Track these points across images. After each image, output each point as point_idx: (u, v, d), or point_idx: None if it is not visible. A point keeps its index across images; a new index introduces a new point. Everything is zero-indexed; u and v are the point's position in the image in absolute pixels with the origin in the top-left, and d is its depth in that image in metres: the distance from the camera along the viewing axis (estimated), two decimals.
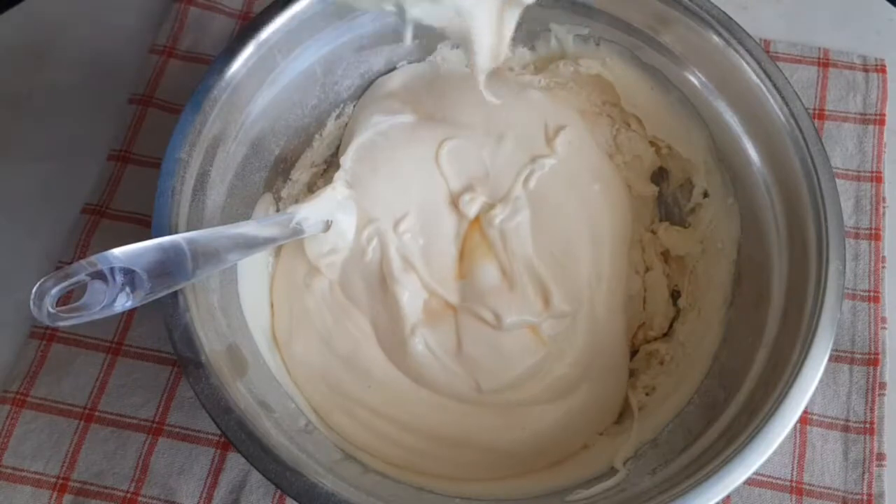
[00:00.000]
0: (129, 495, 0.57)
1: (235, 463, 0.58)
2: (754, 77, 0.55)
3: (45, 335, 0.61)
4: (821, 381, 0.47)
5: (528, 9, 0.60)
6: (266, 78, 0.56)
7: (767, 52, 0.65)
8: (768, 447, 0.45)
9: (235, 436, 0.45)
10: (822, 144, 0.53)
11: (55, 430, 0.59)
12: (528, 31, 0.64)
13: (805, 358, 0.47)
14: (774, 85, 0.54)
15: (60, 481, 0.57)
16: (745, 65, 0.55)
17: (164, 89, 0.69)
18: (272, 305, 0.59)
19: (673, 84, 0.60)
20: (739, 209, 0.58)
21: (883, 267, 0.65)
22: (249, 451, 0.45)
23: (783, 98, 0.54)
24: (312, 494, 0.44)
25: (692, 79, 0.59)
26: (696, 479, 0.45)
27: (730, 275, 0.58)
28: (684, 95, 0.60)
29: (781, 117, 0.54)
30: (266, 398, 0.51)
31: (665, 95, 0.61)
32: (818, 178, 0.51)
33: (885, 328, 0.63)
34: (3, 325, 0.62)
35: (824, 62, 0.71)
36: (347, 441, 0.55)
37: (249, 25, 0.54)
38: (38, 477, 0.57)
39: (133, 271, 0.43)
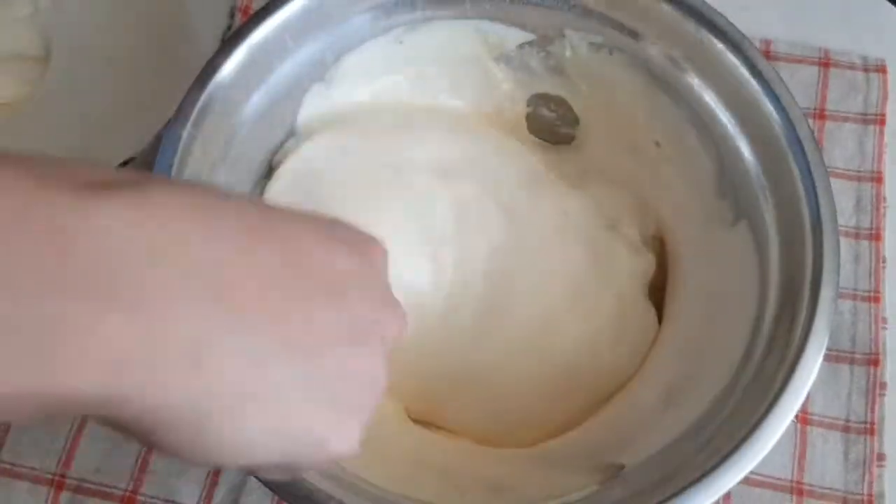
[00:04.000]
0: (127, 493, 0.57)
1: None
2: (753, 83, 0.54)
3: None
4: (821, 381, 0.47)
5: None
6: (261, 80, 0.56)
7: (768, 52, 0.66)
8: (760, 451, 0.44)
9: None
10: (819, 153, 0.52)
11: (50, 425, 0.58)
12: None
13: (798, 361, 0.46)
14: (772, 91, 0.54)
15: (57, 478, 0.57)
16: (743, 70, 0.55)
17: None
18: None
19: (673, 87, 0.60)
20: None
21: (883, 267, 0.64)
22: None
23: (781, 105, 0.53)
24: (311, 499, 0.44)
25: (692, 81, 0.59)
26: (689, 480, 0.45)
27: None
28: (684, 96, 0.60)
29: (780, 122, 0.53)
30: None
31: (664, 97, 0.61)
32: (814, 184, 0.51)
33: (885, 328, 0.62)
34: None
35: (825, 62, 0.71)
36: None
37: (241, 28, 0.54)
38: (35, 473, 0.57)
39: None
